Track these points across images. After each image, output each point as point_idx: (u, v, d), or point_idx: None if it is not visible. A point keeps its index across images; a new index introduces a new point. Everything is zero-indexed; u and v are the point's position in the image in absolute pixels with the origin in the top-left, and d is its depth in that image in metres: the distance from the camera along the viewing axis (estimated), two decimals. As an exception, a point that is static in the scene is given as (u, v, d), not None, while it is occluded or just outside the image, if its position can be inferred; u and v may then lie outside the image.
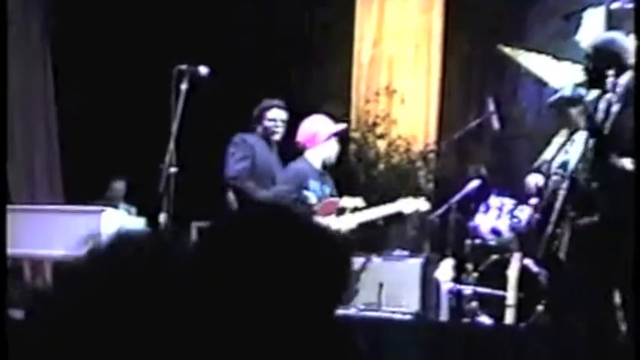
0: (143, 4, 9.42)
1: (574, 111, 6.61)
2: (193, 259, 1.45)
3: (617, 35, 5.90)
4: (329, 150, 6.59)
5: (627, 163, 5.29)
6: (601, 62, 5.50)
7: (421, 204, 6.77)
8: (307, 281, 1.46)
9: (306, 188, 6.43)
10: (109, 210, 6.95)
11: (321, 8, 9.54)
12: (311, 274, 1.47)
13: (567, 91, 6.82)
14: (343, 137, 6.81)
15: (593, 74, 5.59)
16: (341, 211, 6.49)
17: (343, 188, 8.02)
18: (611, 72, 5.40)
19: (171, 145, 5.98)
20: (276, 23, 9.37)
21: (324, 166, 6.63)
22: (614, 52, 5.50)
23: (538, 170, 7.08)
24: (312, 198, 6.45)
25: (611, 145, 5.47)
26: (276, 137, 6.82)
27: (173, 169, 5.94)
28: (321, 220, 6.09)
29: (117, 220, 6.80)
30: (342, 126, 6.81)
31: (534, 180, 6.74)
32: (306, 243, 1.50)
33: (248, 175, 6.66)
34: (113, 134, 8.96)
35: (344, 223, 6.47)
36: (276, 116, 6.80)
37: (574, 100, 6.64)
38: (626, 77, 5.37)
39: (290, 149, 6.80)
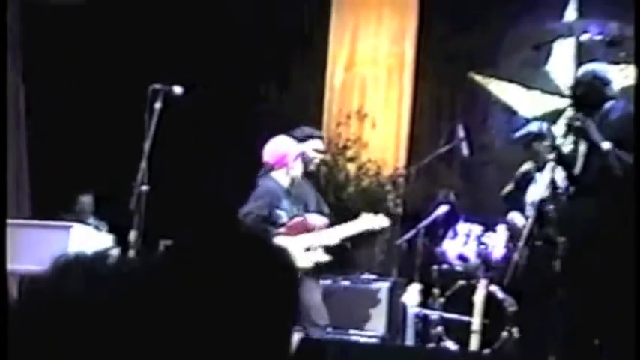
0: (116, 22, 9.43)
1: (540, 146, 6.77)
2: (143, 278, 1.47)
3: (598, 67, 6.16)
4: (296, 170, 6.61)
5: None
6: (584, 93, 5.78)
7: (382, 220, 6.76)
8: (256, 299, 1.48)
9: (278, 207, 6.43)
10: (78, 226, 6.92)
11: (296, 31, 9.58)
12: (260, 292, 1.49)
13: (534, 127, 6.96)
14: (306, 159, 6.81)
15: (577, 104, 5.86)
16: (310, 230, 6.48)
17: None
18: (594, 102, 5.71)
19: (144, 164, 5.97)
20: (250, 45, 9.39)
21: (292, 185, 6.62)
22: (596, 83, 5.78)
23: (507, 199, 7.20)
24: (283, 217, 6.45)
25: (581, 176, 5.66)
26: (312, 167, 6.82)
27: (145, 187, 5.94)
28: (291, 238, 6.19)
29: (85, 236, 6.78)
30: (307, 145, 6.78)
31: (516, 218, 6.83)
32: (256, 261, 1.52)
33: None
34: (85, 150, 8.95)
35: (313, 241, 6.44)
36: (318, 147, 6.85)
37: (540, 136, 6.79)
38: (607, 107, 5.68)
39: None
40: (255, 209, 6.31)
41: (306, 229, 6.45)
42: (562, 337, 5.75)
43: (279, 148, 6.62)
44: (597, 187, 5.65)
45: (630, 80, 8.17)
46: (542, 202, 6.34)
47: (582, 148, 5.77)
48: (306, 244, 6.37)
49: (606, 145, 5.57)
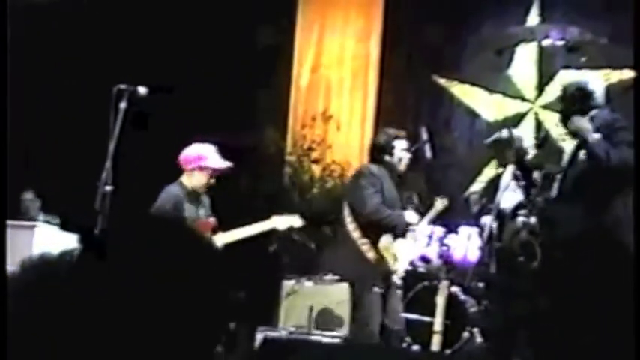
0: (81, 22, 9.41)
1: (509, 151, 6.83)
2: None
3: (584, 78, 6.42)
4: (199, 180, 6.64)
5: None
6: (569, 104, 5.94)
7: (295, 221, 6.89)
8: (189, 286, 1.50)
9: (180, 211, 6.52)
10: (42, 225, 6.93)
11: (262, 32, 9.60)
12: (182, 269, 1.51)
13: (503, 134, 7.03)
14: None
15: (563, 113, 6.01)
16: (214, 231, 6.63)
17: (276, 210, 8.12)
18: (578, 112, 5.84)
19: (108, 164, 5.94)
20: (216, 45, 9.38)
21: (195, 190, 6.66)
22: (579, 94, 5.92)
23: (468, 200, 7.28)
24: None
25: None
26: (402, 168, 6.84)
27: (109, 188, 5.93)
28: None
29: (50, 235, 6.79)
30: (225, 165, 6.72)
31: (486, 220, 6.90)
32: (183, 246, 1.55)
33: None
34: (49, 150, 8.92)
35: (229, 238, 6.62)
36: (405, 147, 6.86)
37: (510, 141, 6.86)
38: (593, 113, 5.83)
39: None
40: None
41: (210, 229, 6.61)
42: (527, 338, 5.81)
43: (197, 150, 6.70)
44: (574, 191, 5.77)
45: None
46: (509, 206, 6.43)
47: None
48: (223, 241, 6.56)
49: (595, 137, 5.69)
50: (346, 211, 6.73)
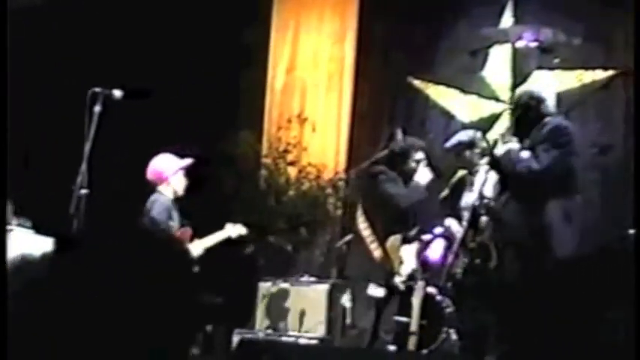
0: (56, 24, 9.38)
1: (472, 153, 6.91)
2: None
3: (534, 87, 6.70)
4: (174, 185, 7.00)
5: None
6: (523, 113, 6.18)
7: (240, 229, 7.29)
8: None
9: (171, 218, 6.89)
10: (17, 229, 6.88)
11: (237, 33, 9.57)
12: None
13: (463, 136, 7.10)
14: (190, 170, 7.10)
15: (518, 124, 6.27)
16: (191, 238, 7.00)
17: (253, 213, 8.13)
18: (531, 120, 6.10)
19: (84, 167, 5.94)
20: (191, 48, 9.37)
21: (176, 198, 7.02)
22: (532, 103, 6.16)
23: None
24: (174, 227, 6.90)
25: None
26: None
27: (84, 191, 5.92)
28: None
29: (25, 239, 6.75)
30: (186, 161, 7.09)
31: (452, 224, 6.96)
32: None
33: None
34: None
35: (197, 248, 6.96)
36: (421, 158, 7.00)
37: (471, 144, 6.94)
38: (543, 123, 6.06)
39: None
40: (153, 224, 6.72)
41: (191, 238, 6.99)
42: (498, 338, 5.86)
43: (155, 166, 7.05)
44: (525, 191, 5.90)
45: (565, 86, 8.36)
46: (476, 207, 6.47)
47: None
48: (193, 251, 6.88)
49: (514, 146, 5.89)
50: (359, 210, 6.94)
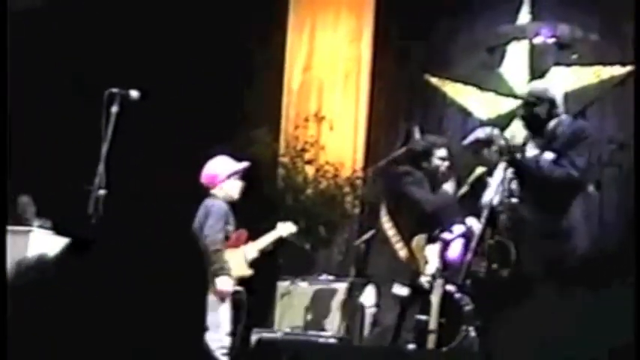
0: (73, 24, 9.41)
1: (489, 151, 6.89)
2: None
3: (547, 85, 6.59)
4: (229, 189, 6.91)
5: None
6: (532, 111, 6.10)
7: (291, 227, 7.21)
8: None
9: (228, 223, 6.81)
10: (37, 230, 6.95)
11: (254, 34, 9.58)
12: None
13: (481, 133, 7.08)
14: (245, 175, 7.05)
15: (528, 120, 6.19)
16: (246, 241, 6.96)
17: (270, 212, 8.13)
18: (541, 119, 6.03)
19: (101, 168, 5.94)
20: (208, 47, 9.37)
21: (230, 201, 6.93)
22: (543, 101, 6.07)
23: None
24: (231, 230, 6.84)
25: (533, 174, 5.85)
26: (439, 175, 6.93)
27: (102, 192, 5.93)
28: (235, 250, 6.80)
29: (44, 240, 6.80)
30: (241, 165, 7.01)
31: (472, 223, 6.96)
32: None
33: None
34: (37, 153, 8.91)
35: (250, 252, 6.93)
36: (444, 156, 6.95)
37: (488, 141, 6.92)
38: (554, 122, 5.99)
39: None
40: (215, 229, 6.68)
41: (245, 241, 6.95)
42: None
43: (209, 169, 6.97)
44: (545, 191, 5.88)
45: (582, 82, 8.34)
46: (494, 205, 6.46)
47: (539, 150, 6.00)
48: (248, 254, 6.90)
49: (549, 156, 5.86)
50: (383, 210, 6.91)
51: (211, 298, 6.60)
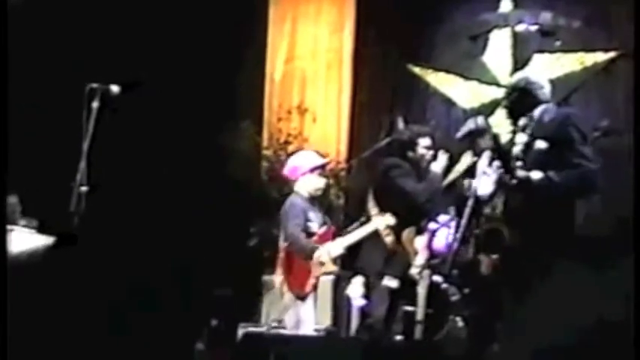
0: (54, 20, 9.36)
1: (482, 140, 6.89)
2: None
3: (531, 73, 6.60)
4: (309, 183, 7.01)
5: (535, 174, 5.75)
6: (518, 98, 6.09)
7: (389, 219, 6.99)
8: None
9: (308, 219, 6.89)
10: (18, 229, 6.92)
11: (235, 27, 9.55)
12: None
13: (472, 124, 7.07)
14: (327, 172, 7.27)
15: (512, 109, 6.20)
16: (334, 236, 6.96)
17: (256, 205, 8.11)
18: (527, 106, 6.01)
19: (83, 164, 5.95)
20: (190, 41, 9.33)
21: (312, 196, 7.04)
22: (529, 89, 6.05)
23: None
24: (314, 227, 6.91)
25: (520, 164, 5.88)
26: (424, 164, 7.03)
27: (84, 188, 5.92)
28: (321, 246, 6.80)
29: (25, 238, 6.78)
30: (321, 160, 7.18)
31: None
32: None
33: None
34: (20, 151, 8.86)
35: (337, 247, 6.89)
36: (429, 145, 7.05)
37: (480, 131, 6.91)
38: (540, 110, 5.96)
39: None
40: (295, 227, 6.81)
41: (333, 236, 6.95)
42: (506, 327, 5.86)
43: (293, 162, 7.19)
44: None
45: (566, 69, 8.37)
46: (478, 195, 6.46)
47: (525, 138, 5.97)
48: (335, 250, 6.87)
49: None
50: (371, 202, 7.01)
51: (288, 297, 6.92)
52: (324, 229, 6.96)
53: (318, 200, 7.17)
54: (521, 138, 6.05)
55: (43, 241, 7.01)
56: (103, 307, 1.48)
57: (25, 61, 9.11)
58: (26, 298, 1.48)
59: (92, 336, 1.46)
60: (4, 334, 1.44)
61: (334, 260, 6.92)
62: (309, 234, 6.88)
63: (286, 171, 7.20)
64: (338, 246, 6.90)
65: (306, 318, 6.82)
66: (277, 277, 7.15)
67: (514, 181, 5.86)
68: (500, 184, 6.04)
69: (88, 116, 6.02)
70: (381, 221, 7.01)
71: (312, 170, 7.02)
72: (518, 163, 5.93)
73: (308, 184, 7.01)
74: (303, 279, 6.88)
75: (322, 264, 6.82)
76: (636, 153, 6.76)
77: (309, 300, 6.91)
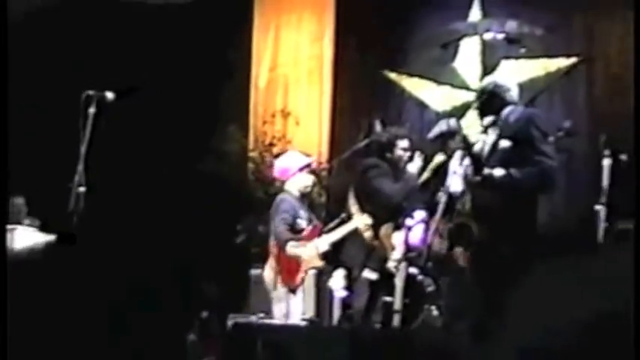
0: (52, 28, 9.56)
1: (453, 142, 7.17)
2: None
3: (499, 77, 6.79)
4: (300, 181, 7.22)
5: (498, 172, 5.95)
6: (488, 101, 6.30)
7: (367, 219, 7.22)
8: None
9: (298, 216, 7.06)
10: (21, 228, 7.17)
11: (222, 36, 9.75)
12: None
13: (443, 126, 7.33)
14: (313, 169, 7.38)
15: (482, 110, 6.38)
16: (320, 234, 7.15)
17: (243, 204, 8.30)
18: (496, 108, 6.20)
19: (80, 166, 6.06)
20: (179, 50, 9.54)
21: (302, 194, 7.24)
22: (497, 92, 6.27)
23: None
24: (303, 224, 7.10)
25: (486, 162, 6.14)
26: (402, 165, 7.18)
27: (82, 189, 6.04)
28: (307, 243, 6.97)
29: (28, 237, 7.04)
30: (309, 159, 7.39)
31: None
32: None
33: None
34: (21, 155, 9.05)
35: (324, 244, 7.10)
36: (406, 146, 7.20)
37: (451, 132, 7.20)
38: (507, 111, 6.15)
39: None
40: (280, 221, 6.95)
41: (319, 233, 7.11)
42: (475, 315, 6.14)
43: (282, 163, 7.32)
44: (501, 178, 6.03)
45: (531, 74, 8.63)
46: (451, 192, 6.74)
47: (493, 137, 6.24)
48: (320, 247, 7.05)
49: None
50: (351, 200, 7.16)
51: (281, 289, 7.03)
52: (311, 226, 7.14)
53: (307, 198, 7.36)
54: (489, 138, 6.23)
55: (44, 238, 7.30)
56: (97, 303, 1.49)
57: (26, 69, 9.32)
58: (26, 296, 1.49)
59: (86, 329, 1.48)
60: (4, 333, 1.46)
61: (321, 255, 7.11)
62: (298, 230, 7.03)
63: (276, 173, 7.38)
64: (324, 242, 7.09)
65: (296, 309, 6.98)
66: (266, 271, 7.23)
67: (478, 178, 6.04)
68: (466, 181, 6.21)
69: (85, 121, 6.12)
70: (361, 221, 7.23)
71: (300, 169, 7.23)
72: (484, 162, 6.12)
73: (298, 183, 7.20)
74: (294, 272, 7.05)
75: (311, 259, 7.01)
76: (636, 154, 7.00)
77: (299, 292, 7.09)
